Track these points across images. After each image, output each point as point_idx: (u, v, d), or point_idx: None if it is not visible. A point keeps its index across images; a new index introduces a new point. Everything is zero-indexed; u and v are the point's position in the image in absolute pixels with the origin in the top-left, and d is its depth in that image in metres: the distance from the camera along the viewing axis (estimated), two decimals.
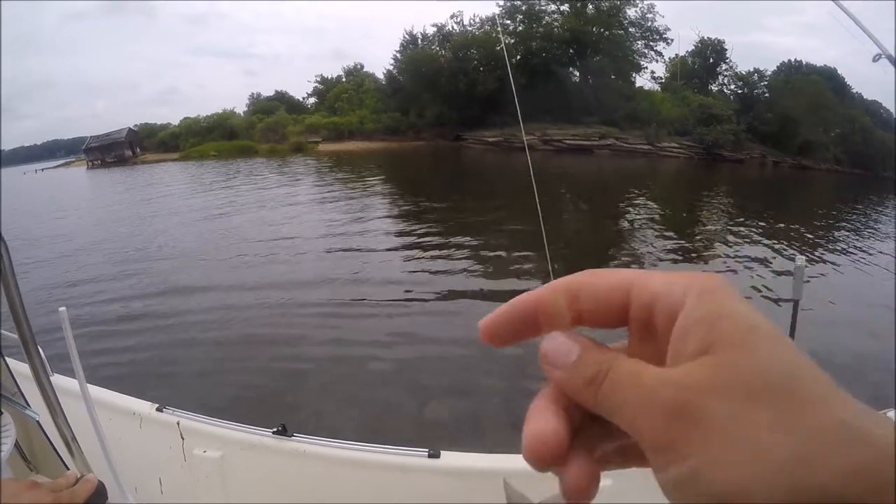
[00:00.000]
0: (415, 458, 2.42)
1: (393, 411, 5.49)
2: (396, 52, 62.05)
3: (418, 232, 14.06)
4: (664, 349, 0.29)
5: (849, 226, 18.83)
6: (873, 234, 17.43)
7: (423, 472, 2.40)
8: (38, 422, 1.84)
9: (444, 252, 11.54)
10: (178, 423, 2.61)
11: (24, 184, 51.99)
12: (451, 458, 2.42)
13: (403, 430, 5.07)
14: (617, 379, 0.29)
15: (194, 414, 2.69)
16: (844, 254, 13.90)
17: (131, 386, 3.46)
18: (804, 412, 0.24)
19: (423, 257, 11.40)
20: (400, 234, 14.10)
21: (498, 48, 58.00)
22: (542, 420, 0.30)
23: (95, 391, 2.63)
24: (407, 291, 9.14)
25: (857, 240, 16.16)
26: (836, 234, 16.98)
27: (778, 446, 0.24)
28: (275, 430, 2.52)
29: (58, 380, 2.27)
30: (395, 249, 12.23)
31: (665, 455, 0.26)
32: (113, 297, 9.48)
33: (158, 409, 2.70)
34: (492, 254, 11.29)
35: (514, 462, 2.51)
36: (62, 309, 1.99)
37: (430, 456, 2.40)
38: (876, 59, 2.34)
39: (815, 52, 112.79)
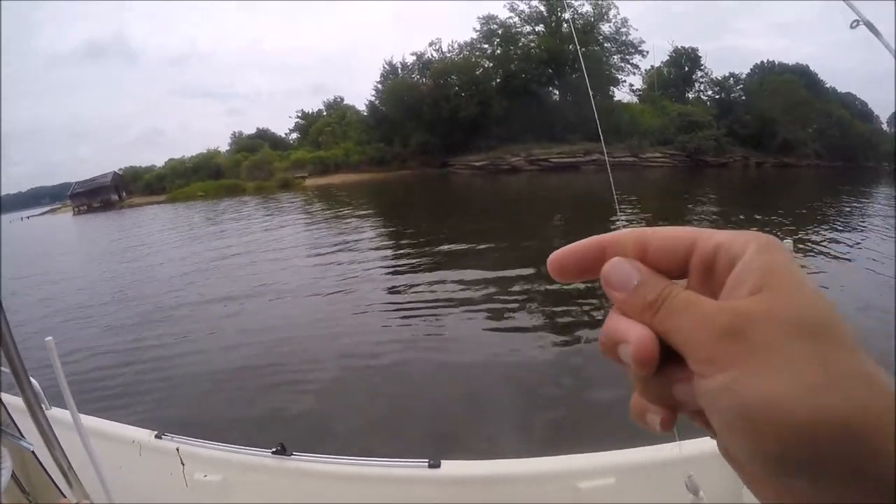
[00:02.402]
0: (415, 469, 2.42)
1: None
2: (377, 82, 62.72)
3: (410, 262, 13.99)
4: (718, 295, 0.32)
5: (833, 217, 19.03)
6: (857, 224, 17.63)
7: (424, 483, 2.40)
8: (33, 452, 1.84)
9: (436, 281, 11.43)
10: (177, 449, 2.60)
11: (13, 230, 51.94)
12: (451, 467, 2.42)
13: None
14: (675, 303, 0.32)
15: (193, 439, 2.68)
16: (834, 244, 14.00)
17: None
18: (838, 354, 0.28)
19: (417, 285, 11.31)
20: (394, 269, 14.04)
21: (478, 72, 58.75)
22: (639, 328, 0.32)
23: (93, 421, 2.63)
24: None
25: (841, 230, 16.33)
26: (823, 226, 17.14)
27: (812, 374, 0.27)
28: (274, 449, 2.51)
29: (55, 412, 2.27)
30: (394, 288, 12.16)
31: (711, 366, 0.29)
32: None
33: (157, 437, 2.69)
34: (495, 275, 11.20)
35: (513, 467, 2.52)
36: (49, 339, 2.00)
37: (430, 466, 2.40)
38: (853, 25, 2.36)
39: (787, 51, 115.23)
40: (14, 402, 1.87)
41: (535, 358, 7.01)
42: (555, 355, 7.09)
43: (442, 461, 2.40)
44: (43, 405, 1.79)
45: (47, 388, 2.10)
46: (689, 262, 0.35)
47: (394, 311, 9.62)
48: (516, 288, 10.17)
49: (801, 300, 0.29)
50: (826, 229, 16.52)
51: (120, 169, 68.25)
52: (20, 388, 1.66)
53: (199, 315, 10.49)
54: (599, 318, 8.02)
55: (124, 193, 64.62)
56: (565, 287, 9.35)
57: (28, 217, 75.04)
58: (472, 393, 6.12)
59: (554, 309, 8.83)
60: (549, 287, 9.76)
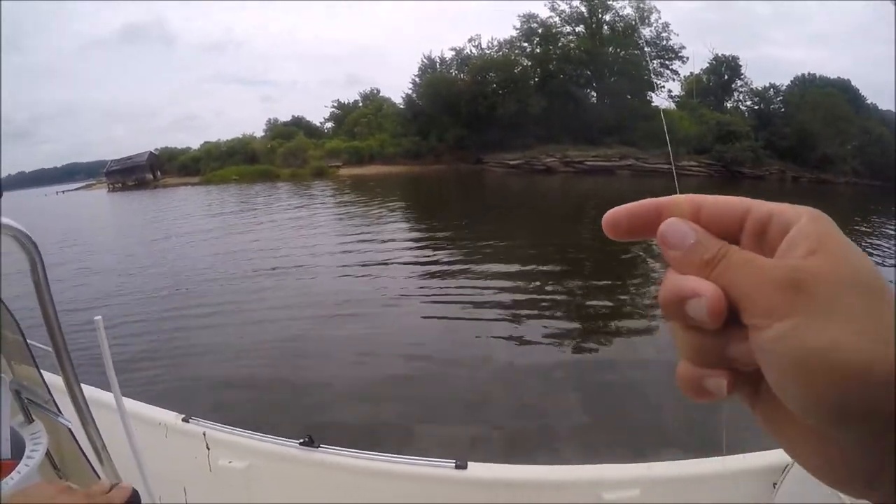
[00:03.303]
0: (442, 468, 2.41)
1: None
2: (415, 75, 62.67)
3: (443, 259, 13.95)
4: (771, 258, 0.34)
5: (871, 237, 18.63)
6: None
7: (450, 483, 2.39)
8: (69, 430, 1.87)
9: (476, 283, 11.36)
10: (203, 434, 2.63)
11: (49, 204, 52.99)
12: (478, 469, 2.41)
13: None
14: (734, 259, 0.33)
15: (220, 425, 2.71)
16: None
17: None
18: (886, 305, 0.30)
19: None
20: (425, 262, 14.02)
21: (517, 70, 58.43)
22: (707, 282, 0.33)
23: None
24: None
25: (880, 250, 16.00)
26: (865, 248, 16.74)
27: (867, 325, 0.29)
28: (301, 441, 2.52)
29: (88, 390, 2.30)
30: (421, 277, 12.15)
31: (771, 316, 0.30)
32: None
33: (185, 420, 2.72)
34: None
35: (539, 473, 2.50)
36: (98, 318, 2.01)
37: (457, 467, 2.39)
38: None
39: (826, 63, 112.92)
40: (51, 379, 1.91)
41: (555, 360, 6.99)
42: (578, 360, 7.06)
43: (469, 463, 2.39)
44: (79, 381, 1.81)
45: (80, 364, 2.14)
46: (741, 227, 0.36)
47: (429, 302, 9.69)
48: (548, 287, 10.16)
49: (854, 261, 0.31)
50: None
51: (156, 149, 69.04)
52: (60, 366, 1.68)
53: (225, 295, 10.62)
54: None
55: (159, 173, 65.40)
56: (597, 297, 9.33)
57: (63, 192, 76.62)
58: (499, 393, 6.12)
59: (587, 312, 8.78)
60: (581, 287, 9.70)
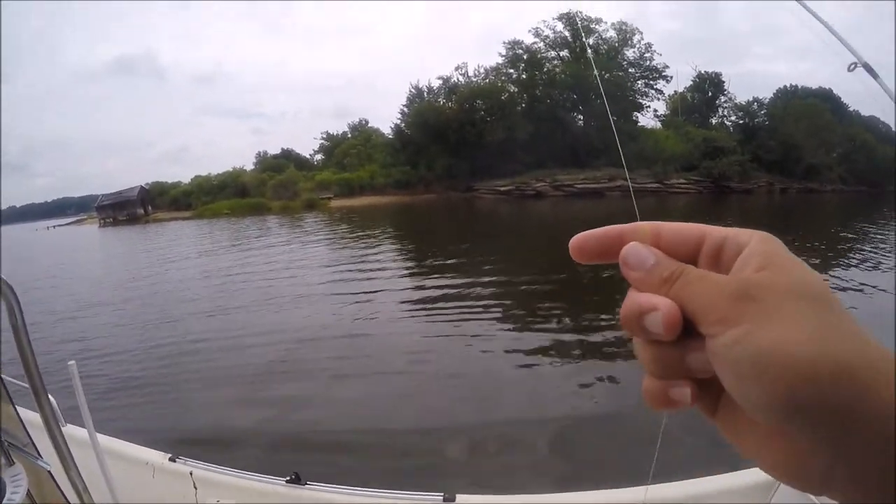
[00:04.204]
0: (430, 501, 2.40)
1: None
2: (403, 105, 63.34)
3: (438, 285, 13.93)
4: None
5: (857, 244, 18.71)
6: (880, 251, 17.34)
7: None
8: (49, 472, 1.85)
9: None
10: (190, 473, 2.60)
11: (38, 238, 52.84)
12: (467, 501, 2.39)
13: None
14: (689, 278, 0.36)
15: (207, 464, 2.68)
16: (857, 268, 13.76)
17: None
18: (834, 313, 0.32)
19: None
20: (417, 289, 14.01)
21: (504, 97, 59.06)
22: (663, 297, 0.36)
23: (107, 441, 2.64)
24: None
25: (868, 256, 16.05)
26: (849, 252, 16.85)
27: (814, 327, 0.31)
28: (288, 478, 2.51)
29: (70, 430, 2.29)
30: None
31: (725, 324, 0.33)
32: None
33: (171, 460, 2.69)
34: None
35: (528, 501, 2.48)
36: (71, 363, 2.03)
37: (445, 500, 2.37)
38: (851, 68, 2.35)
39: (809, 75, 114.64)
40: (29, 417, 1.90)
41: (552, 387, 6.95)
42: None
43: (457, 495, 2.37)
44: (59, 422, 1.80)
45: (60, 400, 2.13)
46: (698, 251, 0.39)
47: (419, 327, 9.67)
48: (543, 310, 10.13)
49: (799, 274, 0.34)
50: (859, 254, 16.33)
51: (147, 183, 69.32)
52: (38, 405, 1.67)
53: (212, 333, 10.55)
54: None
55: (150, 208, 65.43)
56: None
57: (54, 227, 76.36)
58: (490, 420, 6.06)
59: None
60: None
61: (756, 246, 0.36)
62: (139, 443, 2.95)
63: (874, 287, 11.48)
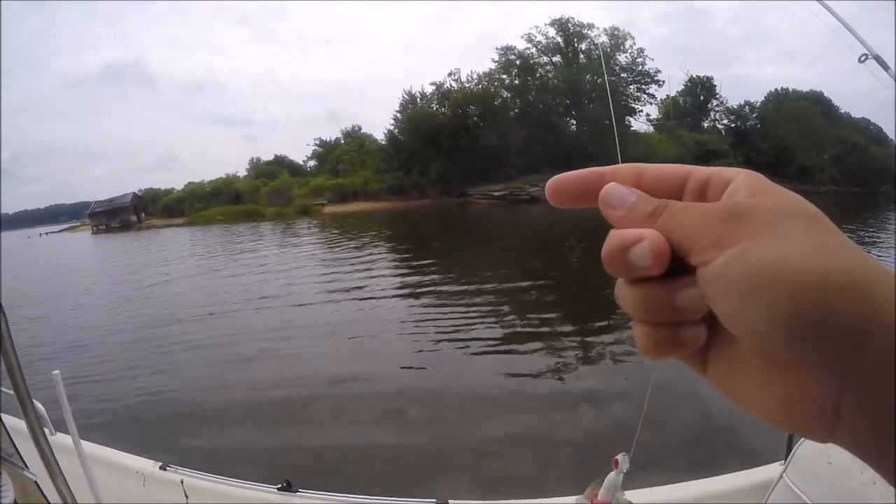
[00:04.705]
0: None
1: None
2: (396, 111, 63.36)
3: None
4: None
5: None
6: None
7: None
8: (36, 483, 1.83)
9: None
10: (181, 481, 2.59)
11: (31, 245, 52.58)
12: None
13: None
14: (675, 210, 0.34)
15: (198, 472, 2.66)
16: None
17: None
18: (829, 230, 0.31)
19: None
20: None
21: (497, 102, 59.22)
22: (648, 228, 0.34)
23: (98, 450, 2.62)
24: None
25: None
26: None
27: (810, 241, 0.30)
28: (279, 485, 2.49)
29: (59, 438, 2.26)
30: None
31: (718, 247, 0.31)
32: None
33: (162, 468, 2.68)
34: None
35: None
36: (56, 372, 2.00)
37: None
38: (862, 59, 2.33)
39: (799, 78, 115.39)
40: (16, 424, 1.87)
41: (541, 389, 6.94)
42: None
43: (450, 501, 2.37)
44: (47, 430, 1.77)
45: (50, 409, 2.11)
46: (682, 191, 0.37)
47: (413, 332, 9.72)
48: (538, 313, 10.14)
49: (792, 197, 0.33)
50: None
51: (139, 190, 68.98)
52: (24, 413, 1.65)
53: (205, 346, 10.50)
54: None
55: (143, 215, 65.18)
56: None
57: (46, 234, 75.94)
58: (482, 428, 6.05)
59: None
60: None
61: (743, 179, 0.35)
62: (129, 451, 2.93)
63: None
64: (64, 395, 1.97)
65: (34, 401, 1.68)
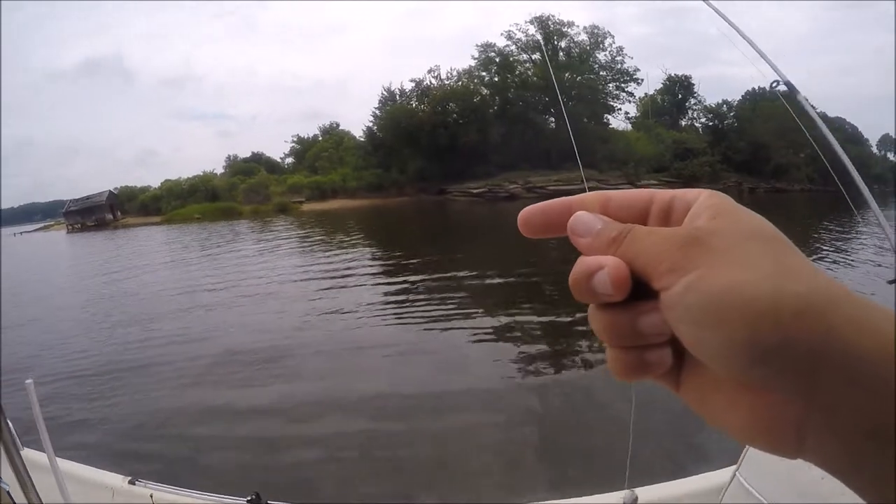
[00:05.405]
0: None
1: None
2: (375, 108, 63.23)
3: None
4: None
5: (826, 238, 19.23)
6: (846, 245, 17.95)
7: None
8: (8, 493, 1.84)
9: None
10: (150, 496, 2.58)
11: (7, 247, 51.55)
12: None
13: None
14: (637, 233, 0.35)
15: (167, 486, 2.66)
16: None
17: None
18: (786, 252, 0.32)
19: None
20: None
21: (476, 99, 59.23)
22: (609, 256, 0.35)
23: (66, 464, 2.60)
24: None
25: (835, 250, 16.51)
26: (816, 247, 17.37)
27: (766, 265, 0.30)
28: (249, 498, 2.49)
29: (28, 453, 2.26)
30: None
31: (677, 273, 0.31)
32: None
33: (131, 482, 2.67)
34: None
35: None
36: (28, 381, 2.00)
37: None
38: (773, 85, 2.39)
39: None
40: None
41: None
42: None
43: None
44: (16, 445, 1.78)
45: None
46: (647, 215, 0.38)
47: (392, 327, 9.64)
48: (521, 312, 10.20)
49: (750, 220, 0.33)
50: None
51: (115, 188, 67.59)
52: None
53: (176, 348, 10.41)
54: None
55: (119, 213, 64.04)
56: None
57: (21, 233, 74.28)
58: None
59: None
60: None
61: (705, 200, 0.35)
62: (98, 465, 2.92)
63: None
64: (37, 404, 1.96)
65: (3, 411, 1.68)
